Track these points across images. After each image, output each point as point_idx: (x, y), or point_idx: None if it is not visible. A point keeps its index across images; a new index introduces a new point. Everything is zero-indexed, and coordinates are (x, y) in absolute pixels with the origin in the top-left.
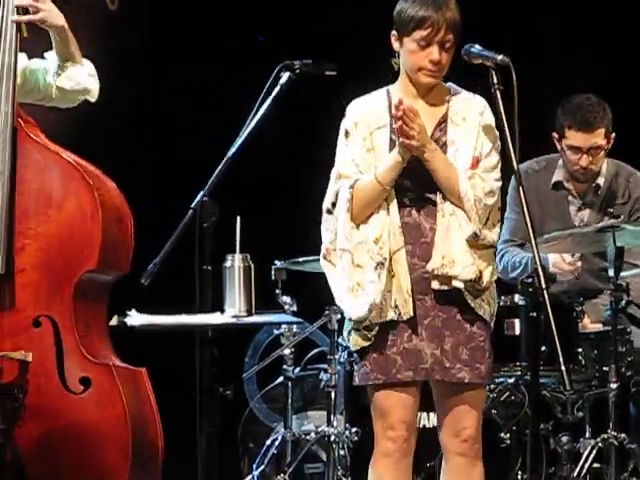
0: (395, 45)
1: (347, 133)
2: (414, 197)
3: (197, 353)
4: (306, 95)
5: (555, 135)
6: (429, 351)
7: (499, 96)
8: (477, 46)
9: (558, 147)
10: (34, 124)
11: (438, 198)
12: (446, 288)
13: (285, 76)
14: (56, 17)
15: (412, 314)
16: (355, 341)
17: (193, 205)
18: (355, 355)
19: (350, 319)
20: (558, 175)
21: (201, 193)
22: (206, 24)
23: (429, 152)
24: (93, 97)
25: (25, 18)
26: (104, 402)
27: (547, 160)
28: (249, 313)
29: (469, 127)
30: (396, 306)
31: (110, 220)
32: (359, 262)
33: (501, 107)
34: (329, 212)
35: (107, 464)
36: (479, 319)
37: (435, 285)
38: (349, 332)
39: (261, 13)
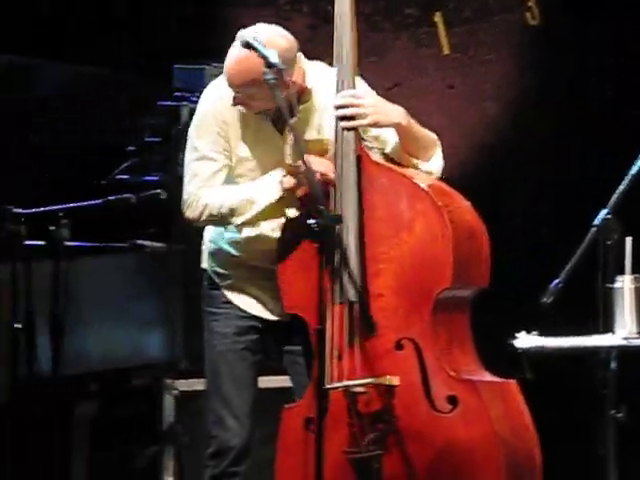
0: None
1: None
2: None
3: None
4: None
5: None
6: None
7: None
8: None
9: None
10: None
11: None
12: None
13: None
14: (387, 115)
15: None
16: None
17: (596, 223)
18: None
19: None
20: None
21: (604, 210)
22: None
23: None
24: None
25: (354, 124)
26: (471, 420)
27: None
28: None
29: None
30: None
31: (461, 237)
32: None
33: None
34: None
35: None
36: None
37: None
38: None
39: None
